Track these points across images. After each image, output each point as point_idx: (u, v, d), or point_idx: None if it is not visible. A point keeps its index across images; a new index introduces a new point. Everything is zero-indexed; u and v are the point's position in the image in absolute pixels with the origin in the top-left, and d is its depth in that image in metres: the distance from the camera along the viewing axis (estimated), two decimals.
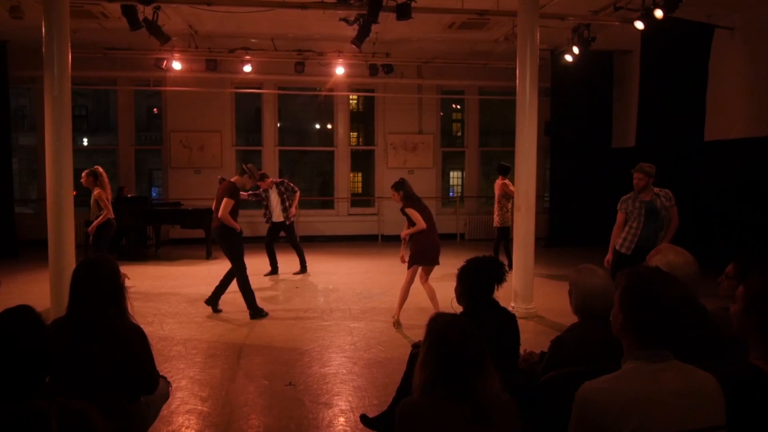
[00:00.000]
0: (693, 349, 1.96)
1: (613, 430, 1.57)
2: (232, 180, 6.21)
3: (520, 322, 2.97)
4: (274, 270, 8.39)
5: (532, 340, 4.81)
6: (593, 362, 2.15)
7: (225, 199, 5.93)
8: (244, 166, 6.36)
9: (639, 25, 7.44)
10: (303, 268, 8.46)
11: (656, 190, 5.20)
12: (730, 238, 7.86)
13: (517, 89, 6.10)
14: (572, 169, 11.14)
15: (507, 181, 8.42)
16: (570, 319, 2.58)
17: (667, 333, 1.67)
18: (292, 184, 8.51)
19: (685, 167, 8.54)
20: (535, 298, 6.17)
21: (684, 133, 8.76)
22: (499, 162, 8.90)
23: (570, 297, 2.52)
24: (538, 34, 6.10)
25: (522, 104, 6.07)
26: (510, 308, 5.05)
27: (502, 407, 1.76)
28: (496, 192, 8.54)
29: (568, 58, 9.32)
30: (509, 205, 8.27)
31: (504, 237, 8.46)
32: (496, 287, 2.80)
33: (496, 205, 8.55)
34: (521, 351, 2.95)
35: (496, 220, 8.52)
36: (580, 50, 8.79)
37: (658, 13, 7.02)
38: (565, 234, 11.09)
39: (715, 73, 8.50)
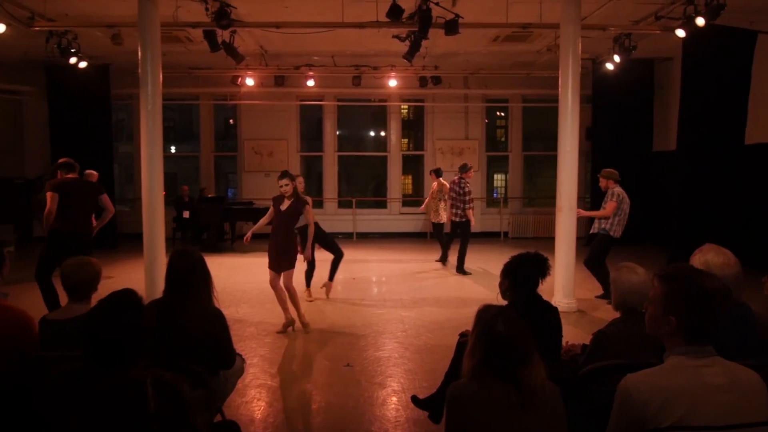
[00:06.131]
0: (736, 348, 1.84)
1: (654, 422, 1.50)
2: (91, 180, 5.84)
3: (561, 315, 2.88)
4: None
5: (572, 333, 4.65)
6: (633, 356, 2.07)
7: (105, 195, 5.23)
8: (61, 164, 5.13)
9: (680, 33, 7.01)
10: (443, 257, 8.37)
11: None
12: None
13: (559, 97, 5.92)
14: None
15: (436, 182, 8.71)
16: (609, 314, 2.48)
17: (710, 329, 1.58)
18: (468, 188, 7.58)
19: (726, 170, 7.99)
20: (575, 293, 5.97)
21: (725, 136, 8.19)
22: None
23: (612, 294, 2.43)
24: (579, 44, 5.89)
25: (564, 111, 5.88)
26: (552, 302, 4.91)
27: (547, 395, 1.72)
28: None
29: (609, 66, 8.93)
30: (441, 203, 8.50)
31: (441, 232, 8.54)
32: (540, 281, 2.73)
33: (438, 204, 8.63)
34: (563, 343, 2.87)
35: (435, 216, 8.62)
36: (621, 59, 8.39)
37: (700, 21, 6.55)
38: None
39: (758, 76, 7.91)
